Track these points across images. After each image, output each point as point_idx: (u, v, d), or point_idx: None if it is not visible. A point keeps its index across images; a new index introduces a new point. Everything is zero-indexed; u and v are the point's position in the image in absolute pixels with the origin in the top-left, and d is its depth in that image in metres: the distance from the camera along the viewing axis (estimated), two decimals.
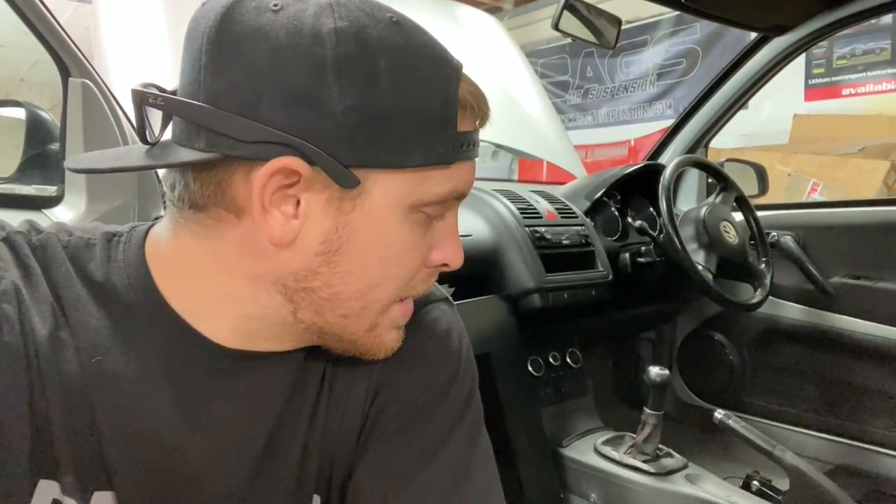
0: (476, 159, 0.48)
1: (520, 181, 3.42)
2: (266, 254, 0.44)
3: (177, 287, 0.46)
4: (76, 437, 0.44)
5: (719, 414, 1.11)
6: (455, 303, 1.17)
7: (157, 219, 0.51)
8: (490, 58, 2.27)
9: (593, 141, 5.05)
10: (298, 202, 0.42)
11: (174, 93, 0.43)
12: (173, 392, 0.46)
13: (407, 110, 0.41)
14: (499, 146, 2.22)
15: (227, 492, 0.48)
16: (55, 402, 0.43)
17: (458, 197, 0.47)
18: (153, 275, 0.46)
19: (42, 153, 0.91)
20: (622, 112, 5.06)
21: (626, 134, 4.94)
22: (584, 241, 1.41)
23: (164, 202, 1.10)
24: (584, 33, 1.43)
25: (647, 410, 1.21)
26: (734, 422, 1.10)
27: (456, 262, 0.49)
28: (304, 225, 0.43)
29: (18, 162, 0.91)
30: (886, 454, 1.52)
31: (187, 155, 0.41)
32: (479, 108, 0.46)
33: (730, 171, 1.70)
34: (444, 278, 1.26)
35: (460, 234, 1.28)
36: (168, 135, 0.45)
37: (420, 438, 0.52)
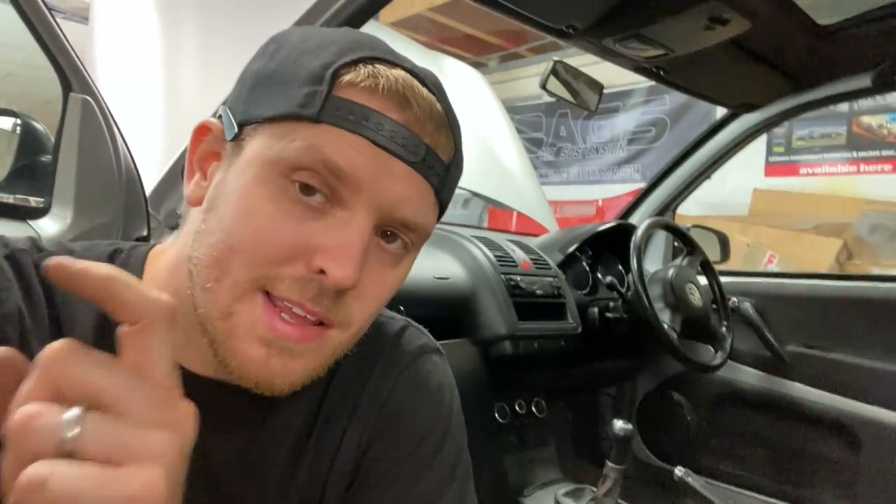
0: (419, 175, 0.44)
1: (489, 230, 3.50)
2: (190, 226, 0.46)
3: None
4: None
5: (679, 472, 1.14)
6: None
7: (156, 242, 0.52)
8: (472, 109, 2.35)
9: (563, 198, 5.18)
10: (211, 163, 0.46)
11: None
12: None
13: (289, 71, 0.43)
14: (475, 194, 2.27)
15: None
16: None
17: (332, 169, 0.41)
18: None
19: (32, 164, 0.91)
20: (592, 172, 5.22)
21: (594, 193, 5.09)
22: (556, 292, 1.45)
23: (149, 222, 1.10)
24: (567, 95, 1.50)
25: (609, 464, 1.23)
26: (693, 479, 1.13)
27: (335, 271, 0.40)
28: (210, 184, 0.45)
29: (7, 171, 0.91)
30: None
31: None
32: (401, 97, 0.42)
33: (695, 236, 1.78)
34: (419, 320, 1.28)
35: (439, 276, 1.30)
36: None
37: (411, 495, 0.51)
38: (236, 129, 0.44)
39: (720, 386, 1.76)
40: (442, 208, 0.49)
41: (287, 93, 0.42)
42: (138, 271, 0.48)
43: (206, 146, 0.47)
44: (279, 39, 0.47)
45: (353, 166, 0.41)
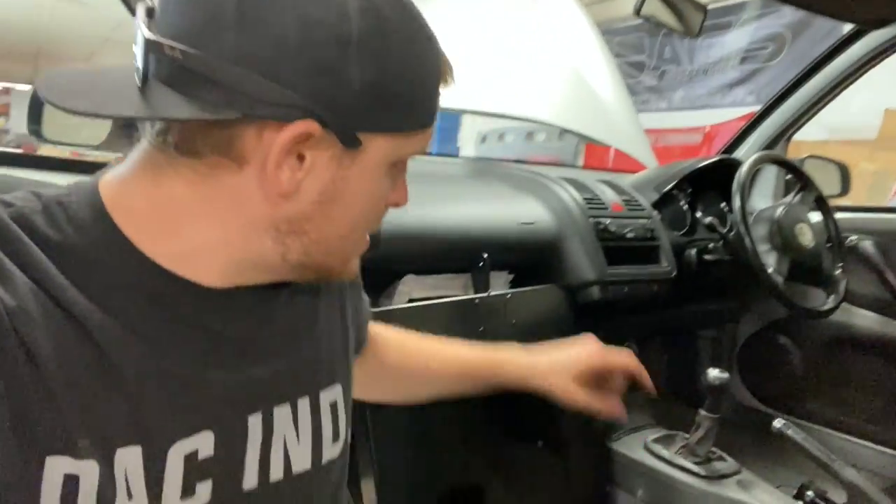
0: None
1: (585, 167, 3.34)
2: (264, 202, 0.46)
3: (156, 236, 0.45)
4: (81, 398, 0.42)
5: (778, 423, 1.08)
6: (512, 290, 1.18)
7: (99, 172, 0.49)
8: (561, 35, 2.22)
9: (665, 125, 4.89)
10: (303, 157, 0.45)
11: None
12: (174, 335, 0.46)
13: (409, 84, 0.47)
14: (565, 130, 2.18)
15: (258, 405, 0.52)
16: (49, 368, 0.40)
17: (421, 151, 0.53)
18: (121, 227, 0.45)
19: (130, 123, 0.95)
20: (699, 97, 4.87)
21: (701, 119, 4.76)
22: (649, 234, 1.38)
23: None
24: (667, 19, 1.39)
25: (702, 412, 1.19)
26: (794, 432, 1.07)
27: (406, 202, 0.56)
28: (307, 178, 0.46)
29: (108, 131, 0.96)
30: None
31: (200, 109, 0.41)
32: (451, 77, 0.51)
33: (810, 168, 1.63)
34: (504, 266, 1.26)
35: (524, 221, 1.27)
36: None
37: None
38: (359, 141, 0.46)
39: (832, 329, 1.64)
40: None
41: (412, 108, 0.49)
42: (94, 210, 0.45)
43: (299, 145, 0.44)
44: (379, 31, 0.44)
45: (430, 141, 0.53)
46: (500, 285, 1.24)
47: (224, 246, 0.47)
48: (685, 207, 1.57)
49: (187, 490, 0.45)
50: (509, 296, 1.18)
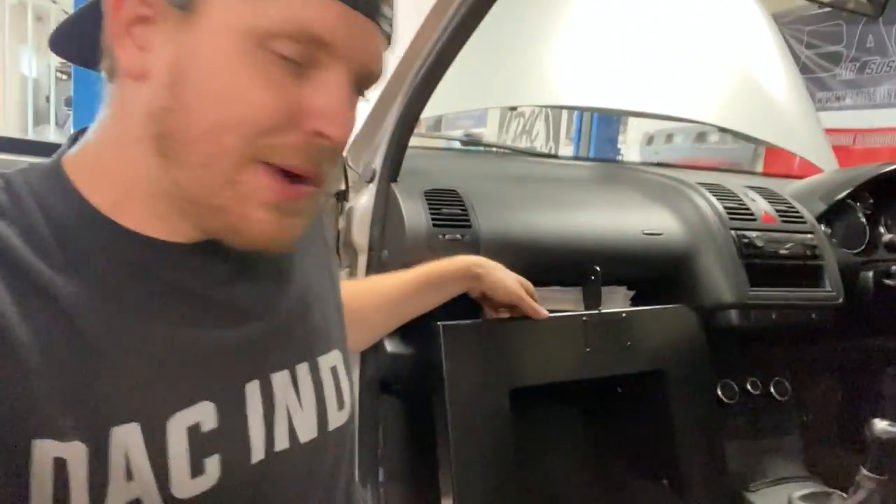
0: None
1: (764, 173, 2.96)
2: (136, 101, 0.43)
3: (106, 190, 0.44)
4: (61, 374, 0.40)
5: None
6: (629, 309, 1.06)
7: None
8: (730, 28, 1.99)
9: (866, 124, 4.25)
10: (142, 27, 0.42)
11: None
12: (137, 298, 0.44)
13: None
14: (724, 130, 1.95)
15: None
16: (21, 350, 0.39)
17: (313, 38, 0.41)
18: (83, 192, 0.44)
19: None
20: None
21: None
22: (809, 252, 1.17)
23: (346, 176, 1.14)
24: None
25: (864, 472, 0.97)
26: None
27: (333, 132, 0.42)
28: (152, 54, 0.42)
29: None
30: None
31: None
32: None
33: None
34: (623, 281, 1.14)
35: (649, 231, 1.14)
36: None
37: None
38: None
39: None
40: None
41: None
42: (52, 176, 0.45)
43: (131, 9, 0.42)
44: None
45: (332, 32, 0.42)
46: (617, 302, 1.12)
47: (133, 177, 0.44)
48: (863, 221, 1.32)
49: (196, 468, 0.43)
50: (625, 315, 1.05)
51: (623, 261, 1.08)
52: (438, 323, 0.92)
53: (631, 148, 6.06)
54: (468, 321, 0.95)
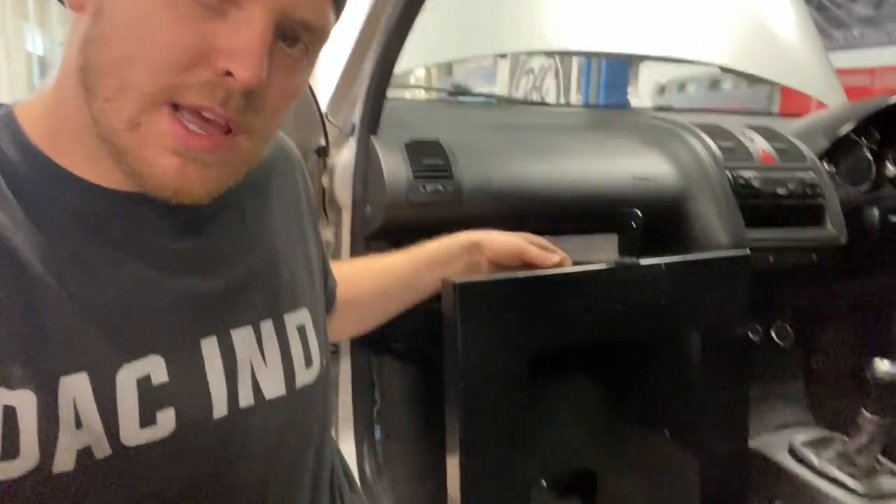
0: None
1: (781, 114, 2.81)
2: (76, 34, 0.42)
3: (41, 126, 0.44)
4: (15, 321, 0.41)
5: None
6: (648, 262, 0.97)
7: None
8: None
9: (884, 62, 4.09)
10: None
11: None
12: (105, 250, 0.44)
13: None
14: (728, 70, 1.87)
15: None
16: None
17: None
18: (36, 142, 0.44)
19: None
20: None
21: None
22: (809, 191, 1.12)
23: (326, 131, 1.11)
24: None
25: (866, 414, 0.95)
26: None
27: (241, 72, 0.40)
28: None
29: None
30: None
31: None
32: None
33: None
34: (615, 229, 1.09)
35: (639, 175, 1.10)
36: None
37: None
38: None
39: None
40: (338, 8, 0.47)
41: None
42: (14, 140, 0.44)
43: None
44: None
45: None
46: (608, 250, 1.08)
47: (67, 115, 0.43)
48: (869, 157, 1.26)
49: (146, 418, 0.43)
50: (665, 266, 0.95)
51: (612, 207, 1.04)
52: (452, 281, 0.82)
53: (643, 100, 5.92)
54: (484, 278, 0.86)
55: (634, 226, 0.93)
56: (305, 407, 0.55)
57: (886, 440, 0.95)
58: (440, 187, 0.96)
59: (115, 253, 0.45)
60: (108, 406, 0.42)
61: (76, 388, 0.41)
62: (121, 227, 0.45)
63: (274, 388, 0.51)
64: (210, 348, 0.47)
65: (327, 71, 1.09)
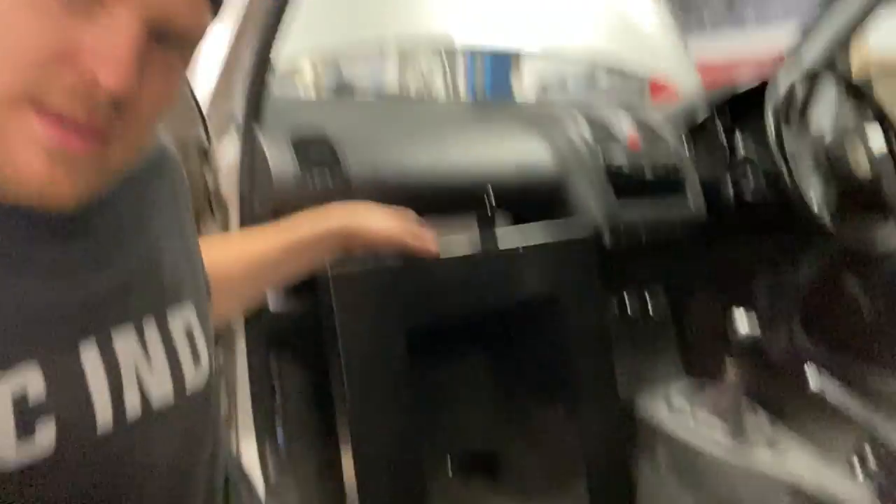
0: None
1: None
2: None
3: None
4: None
5: (815, 382, 0.94)
6: (520, 244, 1.05)
7: None
8: None
9: (739, 48, 4.39)
10: None
11: None
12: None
13: None
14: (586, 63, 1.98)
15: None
16: None
17: None
18: None
19: None
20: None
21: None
22: (672, 173, 1.23)
23: (205, 124, 1.08)
24: None
25: (730, 362, 1.06)
26: (832, 393, 0.93)
27: (106, 77, 0.37)
28: None
29: None
30: None
31: None
32: None
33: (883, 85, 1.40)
34: (501, 203, 1.14)
35: (520, 162, 1.15)
36: None
37: None
38: None
39: None
40: (215, 4, 0.45)
41: None
42: None
43: None
44: None
45: None
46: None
47: None
48: (723, 140, 1.39)
49: (23, 433, 0.40)
50: (521, 249, 1.06)
51: (497, 193, 1.10)
52: (327, 272, 0.87)
53: (528, 97, 6.11)
54: (358, 267, 0.91)
55: (488, 203, 1.01)
56: (196, 416, 0.53)
57: (747, 383, 1.06)
58: (329, 181, 0.97)
59: None
60: None
61: None
62: None
63: (162, 396, 0.49)
64: (90, 352, 0.45)
65: (205, 62, 1.07)
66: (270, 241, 0.82)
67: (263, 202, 0.97)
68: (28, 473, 0.40)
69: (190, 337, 0.52)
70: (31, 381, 0.41)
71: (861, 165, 1.22)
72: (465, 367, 1.35)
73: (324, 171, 0.97)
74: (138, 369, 0.47)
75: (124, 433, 0.45)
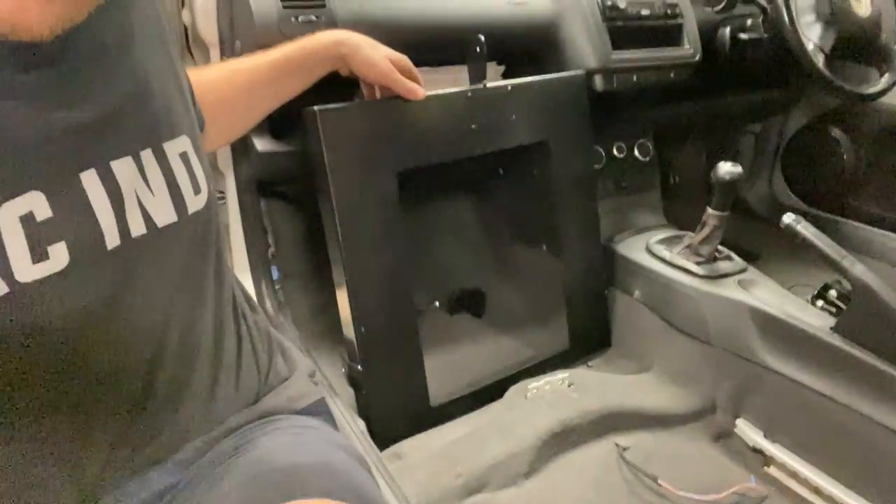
0: None
1: None
2: None
3: None
4: None
5: (788, 218, 0.98)
6: (513, 81, 1.04)
7: None
8: None
9: None
10: None
11: None
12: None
13: None
14: None
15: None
16: None
17: None
18: None
19: None
20: None
21: None
22: (669, 11, 1.19)
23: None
24: None
25: (710, 210, 1.09)
26: (804, 227, 0.97)
27: None
28: None
29: None
30: None
31: None
32: None
33: None
34: (492, 56, 1.12)
35: (514, 1, 1.11)
36: None
37: None
38: None
39: (889, 117, 1.44)
40: None
41: None
42: None
43: None
44: None
45: None
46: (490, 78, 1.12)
47: None
48: None
49: (37, 253, 0.43)
50: (510, 87, 1.05)
51: (490, 34, 1.06)
52: (314, 108, 0.87)
53: None
54: (344, 104, 0.91)
55: (479, 51, 0.99)
56: (199, 230, 0.56)
57: (724, 231, 1.11)
58: (313, 17, 0.94)
59: None
60: None
61: None
62: None
63: (165, 215, 0.51)
64: (91, 180, 0.46)
65: None
66: (261, 60, 0.81)
67: (245, 43, 0.94)
68: (44, 286, 0.43)
69: (188, 167, 0.54)
70: (38, 206, 0.43)
71: (860, 4, 1.18)
72: (454, 208, 1.39)
73: (307, 10, 0.93)
74: (139, 195, 0.49)
75: (132, 246, 0.48)
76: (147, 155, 0.50)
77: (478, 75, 1.02)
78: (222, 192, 1.13)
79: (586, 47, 1.12)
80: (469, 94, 1.00)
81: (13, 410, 0.45)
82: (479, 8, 1.07)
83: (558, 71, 1.14)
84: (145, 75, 0.52)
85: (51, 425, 0.47)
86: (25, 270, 0.42)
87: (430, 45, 1.05)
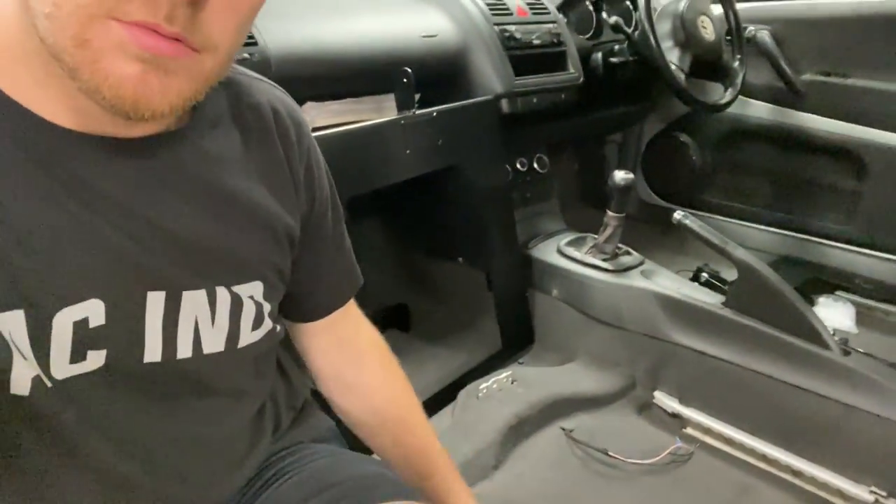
0: None
1: None
2: None
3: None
4: None
5: (678, 215, 1.15)
6: (439, 108, 1.13)
7: None
8: None
9: None
10: None
11: None
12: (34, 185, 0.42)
13: None
14: None
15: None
16: None
17: None
18: None
19: None
20: None
21: None
22: (555, 39, 1.34)
23: None
24: None
25: (610, 213, 1.25)
26: (691, 221, 1.15)
27: None
28: None
29: None
30: (826, 244, 1.63)
31: None
32: None
33: None
34: (394, 87, 1.19)
35: (426, 34, 1.20)
36: None
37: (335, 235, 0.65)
38: None
39: (729, 122, 1.71)
40: None
41: None
42: None
43: None
44: None
45: None
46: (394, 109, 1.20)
47: (10, 36, 0.39)
48: (591, 9, 1.52)
49: (77, 355, 0.43)
50: (435, 113, 1.14)
51: (408, 65, 1.14)
52: None
53: None
54: None
55: (406, 81, 1.08)
56: (248, 355, 0.55)
57: (622, 231, 1.27)
58: (246, 55, 0.96)
59: (58, 191, 0.41)
60: (42, 344, 0.42)
61: (12, 325, 0.40)
62: (69, 166, 0.42)
63: (214, 346, 0.51)
64: (156, 300, 0.47)
65: None
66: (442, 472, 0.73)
67: None
68: (78, 381, 0.44)
69: (258, 308, 0.54)
70: (94, 314, 0.44)
71: (707, 31, 1.41)
72: (376, 230, 1.44)
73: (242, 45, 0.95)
74: (198, 321, 0.49)
75: (172, 366, 0.49)
76: (221, 291, 0.51)
77: (406, 103, 1.10)
78: None
79: (493, 75, 1.23)
80: (402, 121, 1.08)
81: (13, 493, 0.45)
82: (395, 42, 1.15)
83: (467, 96, 1.24)
84: (239, 208, 0.52)
85: None
86: (61, 369, 0.43)
87: (353, 76, 1.11)
